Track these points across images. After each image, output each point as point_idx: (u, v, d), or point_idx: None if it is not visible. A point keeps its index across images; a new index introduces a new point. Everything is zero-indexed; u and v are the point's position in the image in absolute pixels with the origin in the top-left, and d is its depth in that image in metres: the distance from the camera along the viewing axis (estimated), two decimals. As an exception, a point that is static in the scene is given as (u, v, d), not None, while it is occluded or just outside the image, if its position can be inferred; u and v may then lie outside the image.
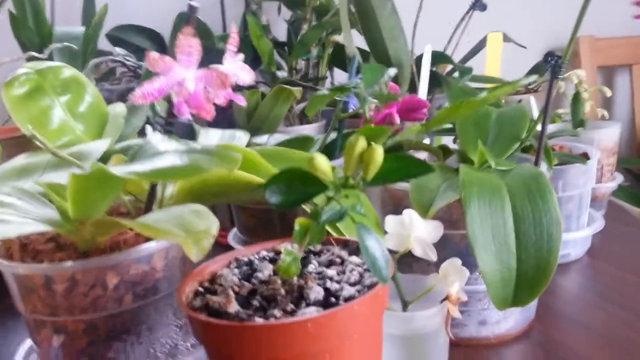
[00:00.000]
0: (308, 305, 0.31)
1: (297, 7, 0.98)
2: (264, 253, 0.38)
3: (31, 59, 0.74)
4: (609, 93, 0.79)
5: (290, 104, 0.80)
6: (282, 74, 0.93)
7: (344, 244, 0.39)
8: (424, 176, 0.48)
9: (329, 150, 0.67)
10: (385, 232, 0.42)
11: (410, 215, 0.41)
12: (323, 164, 0.30)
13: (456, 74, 0.83)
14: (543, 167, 0.54)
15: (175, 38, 0.35)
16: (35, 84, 0.50)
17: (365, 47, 0.73)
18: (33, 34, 1.00)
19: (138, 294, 0.39)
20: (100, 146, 0.45)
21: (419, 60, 0.67)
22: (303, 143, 0.65)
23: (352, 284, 0.33)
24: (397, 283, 0.42)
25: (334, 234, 0.45)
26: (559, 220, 0.43)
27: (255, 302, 0.32)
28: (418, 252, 0.42)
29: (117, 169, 0.33)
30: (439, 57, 0.79)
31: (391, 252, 0.42)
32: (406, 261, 0.50)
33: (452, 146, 0.60)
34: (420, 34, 0.75)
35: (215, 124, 0.62)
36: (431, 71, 0.65)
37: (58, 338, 0.39)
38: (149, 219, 0.35)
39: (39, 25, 1.01)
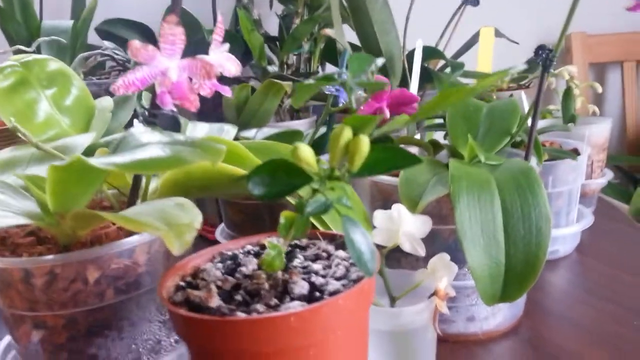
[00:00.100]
0: (292, 299, 0.30)
1: (289, 1, 0.97)
2: (249, 247, 0.37)
3: (18, 52, 0.73)
4: (600, 89, 0.79)
5: (280, 98, 0.79)
6: (274, 68, 0.92)
7: (331, 238, 0.38)
8: (413, 170, 0.48)
9: (319, 145, 0.67)
10: (374, 227, 0.41)
11: (399, 209, 0.41)
12: (306, 155, 0.29)
13: (448, 70, 0.82)
14: (533, 161, 0.54)
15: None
16: (21, 77, 0.49)
17: (357, 43, 0.73)
18: (21, 28, 0.99)
19: (120, 288, 0.38)
20: (85, 140, 0.44)
21: (410, 55, 0.66)
22: (292, 137, 0.64)
23: (338, 279, 0.32)
24: (384, 278, 0.41)
25: (321, 228, 0.45)
26: (548, 215, 0.42)
27: (239, 297, 0.31)
28: (407, 247, 0.41)
29: (97, 160, 0.32)
30: (431, 52, 0.79)
31: (379, 247, 0.41)
32: (395, 256, 0.50)
33: (443, 142, 0.60)
34: (412, 28, 0.74)
35: (205, 119, 0.61)
36: (422, 67, 0.64)
37: (37, 333, 0.38)
38: (130, 212, 0.35)
39: (27, 18, 1.00)
